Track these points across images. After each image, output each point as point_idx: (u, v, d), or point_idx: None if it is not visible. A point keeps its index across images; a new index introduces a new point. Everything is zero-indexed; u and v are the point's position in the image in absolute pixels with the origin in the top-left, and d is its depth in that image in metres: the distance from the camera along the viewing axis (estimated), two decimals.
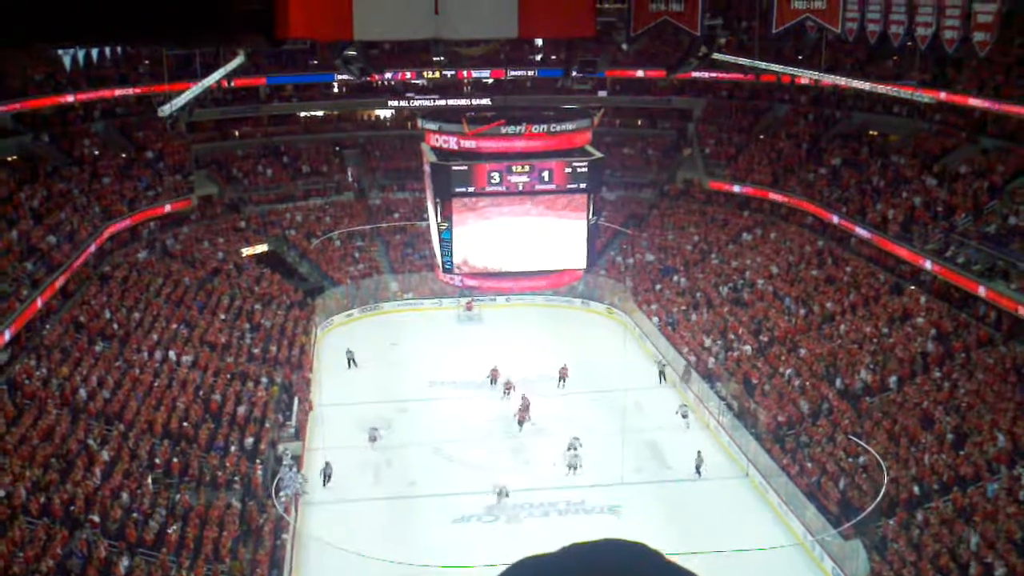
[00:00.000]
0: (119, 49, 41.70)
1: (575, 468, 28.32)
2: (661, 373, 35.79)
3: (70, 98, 42.60)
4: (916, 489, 24.88)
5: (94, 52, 41.73)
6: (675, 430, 31.91)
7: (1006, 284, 29.69)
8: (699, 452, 29.14)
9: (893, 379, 30.18)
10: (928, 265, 33.26)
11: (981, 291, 30.28)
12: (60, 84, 42.10)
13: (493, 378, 34.78)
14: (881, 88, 34.36)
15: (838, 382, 31.04)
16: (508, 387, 33.76)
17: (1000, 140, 36.85)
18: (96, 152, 43.28)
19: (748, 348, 34.99)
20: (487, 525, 26.53)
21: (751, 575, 24.02)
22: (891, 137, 42.30)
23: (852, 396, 30.29)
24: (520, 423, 31.75)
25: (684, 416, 31.79)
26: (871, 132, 43.71)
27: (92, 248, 36.46)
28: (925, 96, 33.81)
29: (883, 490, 24.83)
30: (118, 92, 44.47)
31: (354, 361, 37.17)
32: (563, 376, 34.95)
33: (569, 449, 28.91)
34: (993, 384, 27.76)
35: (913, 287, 34.53)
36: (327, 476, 28.19)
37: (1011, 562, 21.14)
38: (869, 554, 23.22)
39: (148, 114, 42.10)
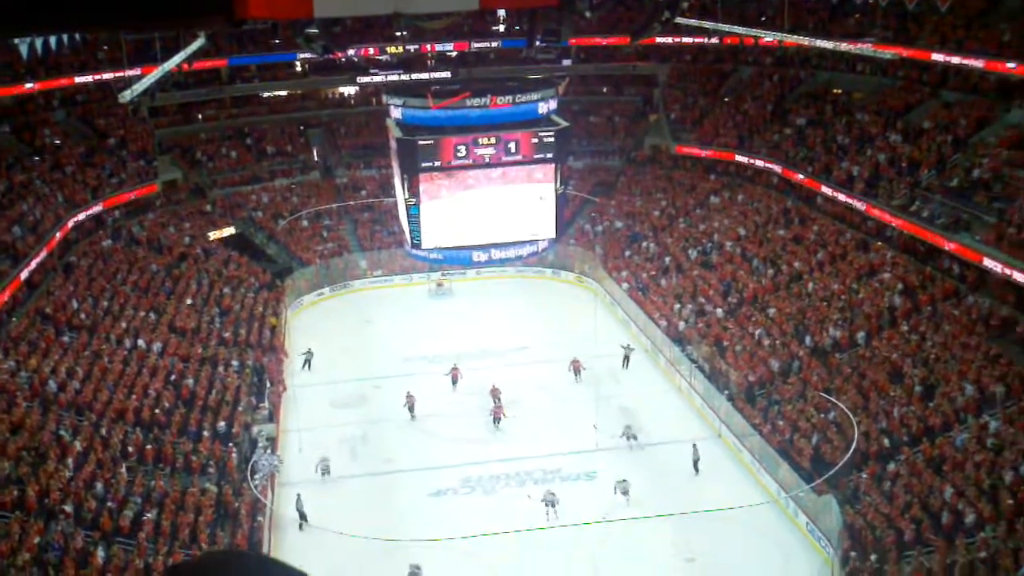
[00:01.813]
0: (76, 36, 41.08)
1: (552, 505, 25.02)
2: (626, 358, 34.53)
3: (29, 87, 41.89)
4: (886, 441, 25.20)
5: (51, 40, 41.21)
6: (648, 396, 32.15)
7: (970, 236, 30.05)
8: (695, 446, 27.69)
9: (861, 334, 30.50)
10: (893, 221, 33.59)
11: (948, 245, 30.61)
12: (18, 73, 41.41)
13: (454, 378, 32.67)
14: (844, 46, 34.51)
15: (807, 340, 31.34)
16: (495, 393, 31.15)
17: (962, 94, 37.08)
18: (57, 141, 42.63)
19: (719, 310, 35.23)
20: (464, 497, 26.64)
21: (727, 534, 24.31)
22: (855, 95, 42.51)
23: (821, 353, 30.60)
24: (496, 420, 30.40)
25: (629, 438, 28.78)
26: (835, 91, 43.84)
27: (57, 238, 36.01)
28: (887, 52, 34.02)
29: (854, 444, 25.17)
30: (77, 79, 43.84)
31: (310, 364, 35.07)
32: (577, 370, 33.32)
33: (619, 488, 25.79)
34: (960, 335, 28.11)
35: (879, 243, 34.86)
36: (302, 515, 25.50)
37: (980, 508, 21.57)
38: (842, 508, 23.58)
39: (109, 101, 41.58)
